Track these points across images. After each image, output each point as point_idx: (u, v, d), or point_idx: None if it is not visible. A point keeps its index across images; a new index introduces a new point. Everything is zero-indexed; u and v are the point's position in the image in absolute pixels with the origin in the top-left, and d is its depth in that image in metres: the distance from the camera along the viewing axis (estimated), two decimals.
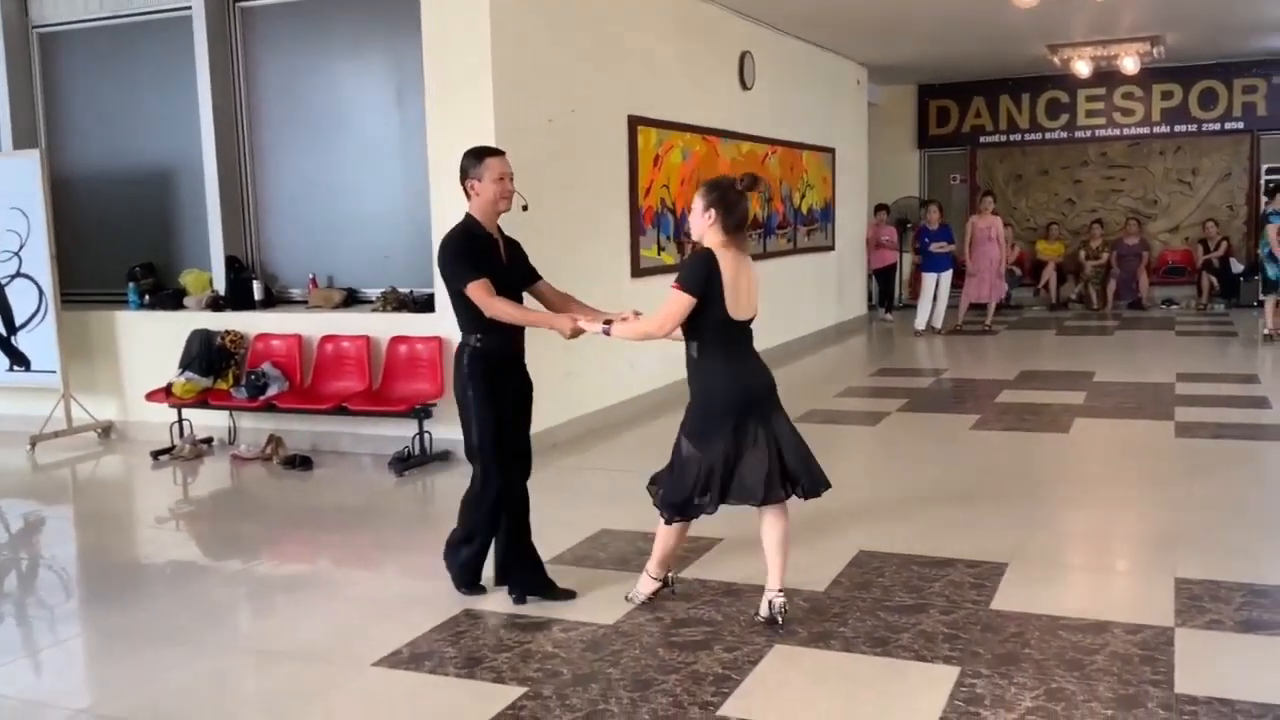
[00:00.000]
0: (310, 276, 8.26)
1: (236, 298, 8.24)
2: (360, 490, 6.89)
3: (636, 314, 4.49)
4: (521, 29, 7.29)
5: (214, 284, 8.44)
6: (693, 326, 4.23)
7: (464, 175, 4.64)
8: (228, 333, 7.96)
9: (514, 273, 4.72)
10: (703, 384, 4.34)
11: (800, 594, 4.59)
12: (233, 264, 8.38)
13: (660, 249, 9.29)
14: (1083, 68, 13.55)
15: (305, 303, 8.15)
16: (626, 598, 4.59)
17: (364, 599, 4.86)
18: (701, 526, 5.52)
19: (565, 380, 7.88)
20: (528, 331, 4.69)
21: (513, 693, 3.75)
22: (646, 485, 4.59)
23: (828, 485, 4.46)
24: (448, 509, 6.10)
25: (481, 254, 4.55)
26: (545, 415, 7.56)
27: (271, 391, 7.60)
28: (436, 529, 5.93)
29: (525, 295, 4.82)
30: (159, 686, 3.97)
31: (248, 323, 8.02)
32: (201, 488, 7.31)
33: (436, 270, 4.92)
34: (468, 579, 4.78)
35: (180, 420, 7.85)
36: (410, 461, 7.19)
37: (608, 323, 4.46)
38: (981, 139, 17.00)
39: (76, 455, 8.11)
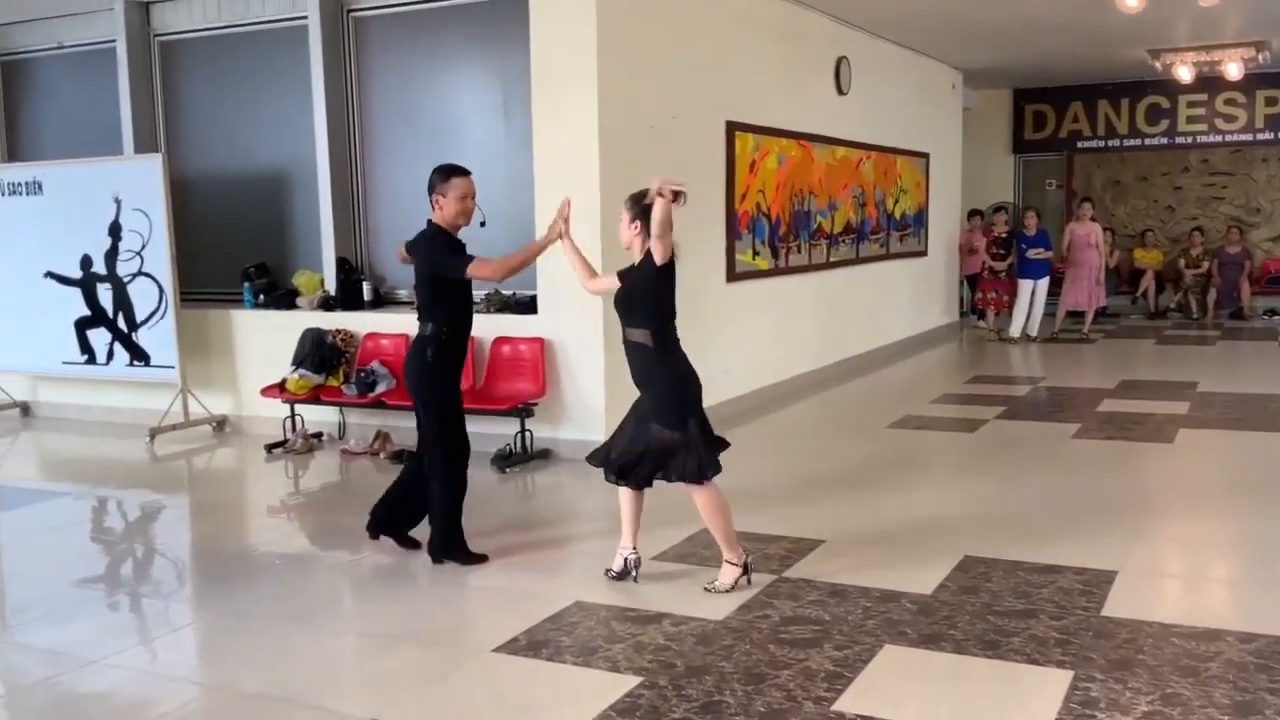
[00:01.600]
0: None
1: (347, 298, 8.52)
2: None
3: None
4: (626, 37, 7.43)
5: (325, 284, 8.72)
6: (655, 318, 4.69)
7: (431, 189, 5.20)
8: (338, 331, 8.23)
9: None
10: (675, 373, 4.76)
11: (908, 596, 4.63)
12: (343, 265, 8.66)
13: (755, 254, 9.36)
14: (1185, 73, 13.29)
15: (412, 303, 8.35)
16: (706, 588, 4.77)
17: (475, 589, 5.03)
18: (806, 528, 5.64)
19: None
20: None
21: (629, 681, 3.86)
22: (608, 473, 4.88)
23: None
24: (549, 505, 6.27)
25: (459, 243, 5.21)
26: None
27: (380, 389, 7.84)
28: (538, 525, 6.12)
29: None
30: (292, 664, 4.17)
31: (357, 322, 8.29)
32: (312, 480, 7.57)
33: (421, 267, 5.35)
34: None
35: (293, 415, 8.13)
36: (512, 459, 7.36)
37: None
38: (1079, 144, 16.74)
39: (193, 448, 8.44)
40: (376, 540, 5.55)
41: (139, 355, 8.84)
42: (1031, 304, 13.34)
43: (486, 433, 7.64)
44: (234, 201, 9.29)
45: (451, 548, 5.29)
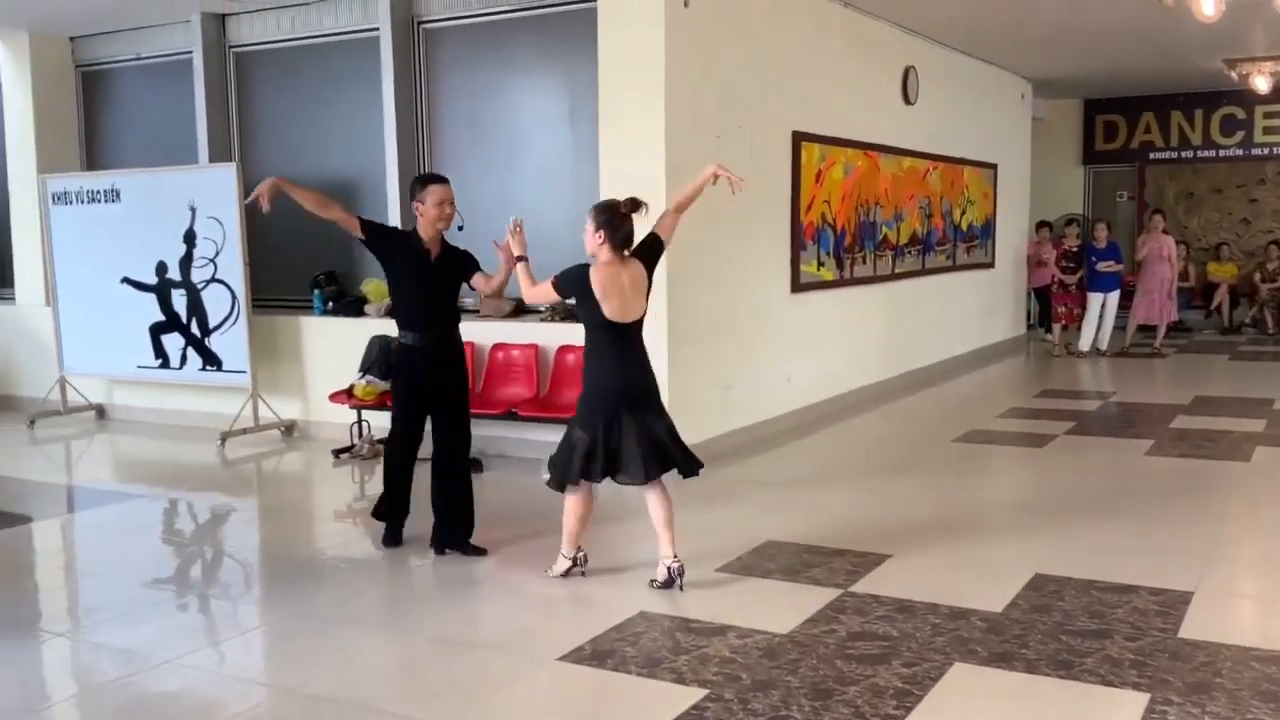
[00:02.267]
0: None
1: None
2: (527, 494, 7.07)
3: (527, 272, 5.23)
4: (694, 47, 7.43)
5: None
6: (584, 326, 4.96)
7: (411, 196, 5.51)
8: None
9: (443, 272, 5.58)
10: (585, 377, 5.04)
11: (977, 614, 4.56)
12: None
13: (820, 265, 9.30)
14: (1262, 83, 12.96)
15: (477, 311, 8.44)
16: (545, 572, 5.16)
17: (538, 597, 5.04)
18: (872, 542, 5.57)
19: (724, 393, 7.98)
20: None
21: (695, 694, 3.84)
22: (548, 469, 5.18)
23: (700, 464, 5.15)
24: (610, 516, 6.27)
25: (395, 241, 5.62)
26: (704, 427, 7.71)
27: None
28: (600, 536, 6.10)
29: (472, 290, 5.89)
30: (358, 668, 4.21)
31: None
32: (377, 485, 7.49)
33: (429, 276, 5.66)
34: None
35: (360, 421, 8.22)
36: None
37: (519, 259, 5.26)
38: (1151, 155, 16.42)
39: (262, 451, 8.58)
40: (443, 554, 5.67)
41: (211, 360, 9.01)
42: (1102, 317, 13.10)
43: (551, 441, 7.63)
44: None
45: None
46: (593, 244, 4.88)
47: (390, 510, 5.84)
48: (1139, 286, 13.24)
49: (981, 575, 5.12)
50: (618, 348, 4.94)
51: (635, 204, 4.87)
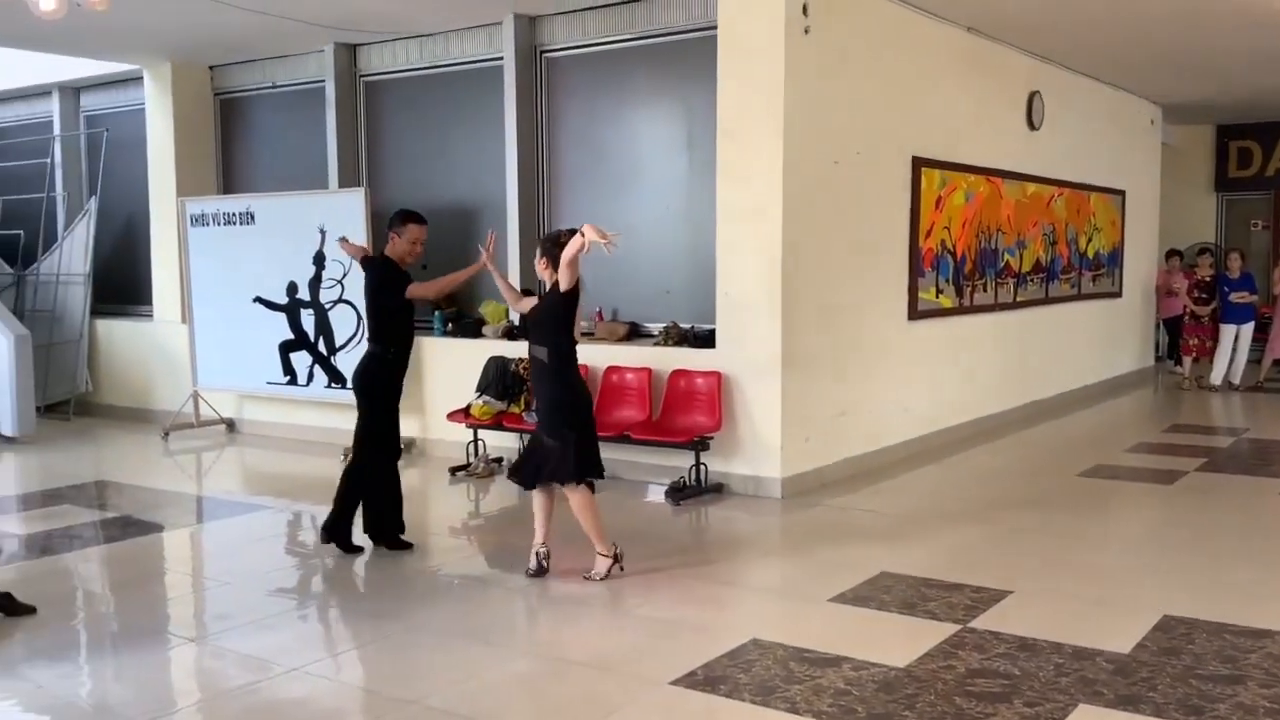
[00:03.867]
0: (597, 310, 8.64)
1: None
2: (639, 516, 7.12)
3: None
4: (813, 73, 7.41)
5: (510, 315, 8.97)
6: (558, 343, 5.47)
7: (390, 225, 6.08)
8: (520, 360, 8.42)
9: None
10: (565, 385, 5.54)
11: (1103, 655, 4.42)
12: (528, 296, 8.87)
13: (939, 292, 9.16)
14: None
15: (592, 334, 8.51)
16: (586, 577, 5.50)
17: (649, 619, 5.05)
18: (992, 577, 5.44)
19: (839, 420, 7.89)
20: None
21: None
22: (509, 477, 6.03)
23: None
24: (722, 539, 6.26)
25: (403, 274, 6.05)
26: (817, 453, 7.65)
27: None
28: (712, 558, 6.12)
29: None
30: (475, 684, 4.28)
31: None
32: (491, 504, 7.77)
33: (363, 289, 6.36)
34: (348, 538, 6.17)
35: (475, 440, 8.37)
36: (686, 491, 7.38)
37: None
38: None
39: None
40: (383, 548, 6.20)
41: (337, 378, 9.28)
42: (1235, 350, 12.59)
43: (662, 464, 7.72)
44: (429, 233, 9.64)
45: (340, 532, 6.16)
46: (539, 269, 5.59)
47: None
48: (1275, 319, 12.68)
49: (1107, 615, 4.95)
50: None
51: (571, 233, 5.39)
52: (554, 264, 5.42)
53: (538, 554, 5.62)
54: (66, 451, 9.74)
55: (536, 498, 5.62)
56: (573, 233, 5.35)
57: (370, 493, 6.23)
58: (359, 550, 6.18)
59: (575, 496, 5.51)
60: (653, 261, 8.60)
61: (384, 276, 6.06)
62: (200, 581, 6.12)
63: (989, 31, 9.39)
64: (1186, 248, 14.82)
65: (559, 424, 5.49)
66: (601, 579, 5.48)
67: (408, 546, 6.24)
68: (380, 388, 6.16)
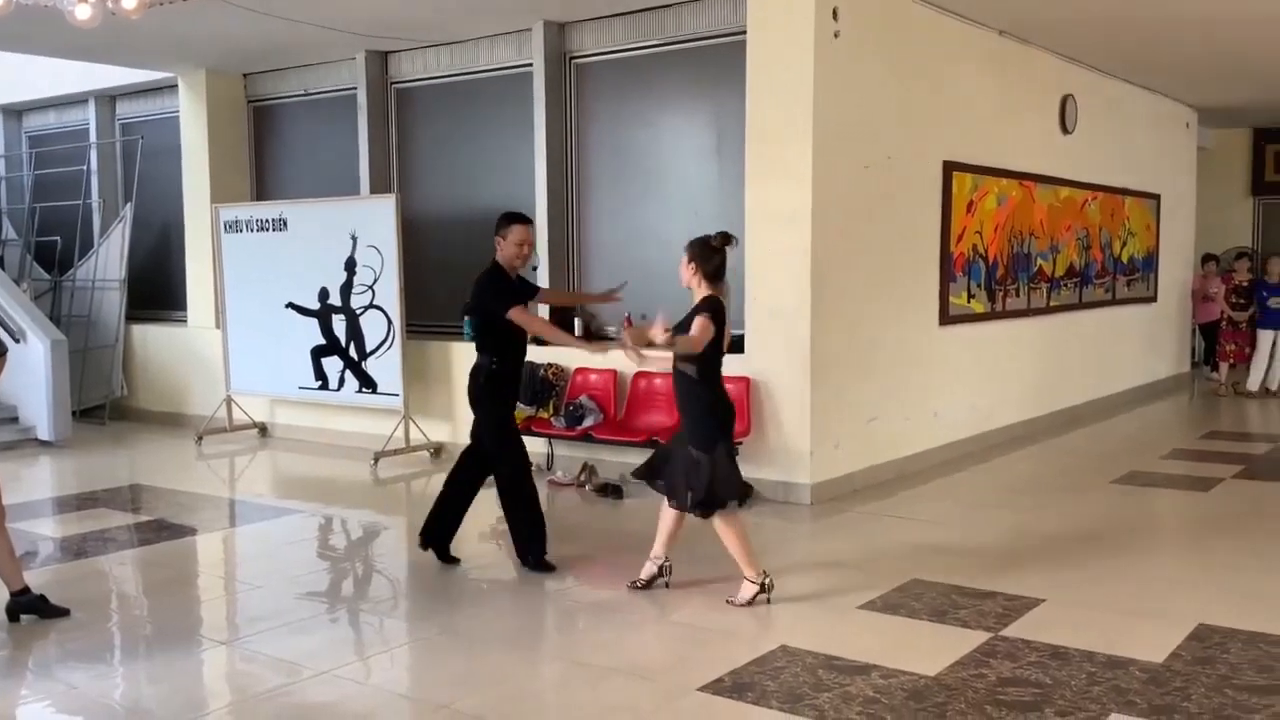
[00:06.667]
0: (626, 315, 8.63)
1: None
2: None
3: (668, 331, 4.94)
4: (843, 78, 7.38)
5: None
6: (702, 354, 5.03)
7: (496, 230, 5.78)
8: (550, 365, 8.47)
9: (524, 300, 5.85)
10: (708, 401, 5.16)
11: (1136, 663, 4.36)
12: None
13: (970, 296, 9.09)
14: None
15: (617, 340, 8.51)
16: (728, 601, 5.18)
17: (679, 625, 5.04)
18: (1023, 585, 5.39)
19: (868, 426, 7.85)
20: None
21: None
22: (671, 505, 5.32)
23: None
24: (756, 547, 6.21)
25: (510, 289, 5.75)
26: (847, 460, 7.61)
27: (588, 422, 8.00)
28: (738, 565, 6.07)
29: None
30: (505, 688, 4.29)
31: (568, 357, 8.50)
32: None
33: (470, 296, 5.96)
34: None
35: None
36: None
37: (648, 345, 5.10)
38: None
39: (412, 472, 8.84)
40: (425, 550, 6.02)
41: (368, 383, 9.34)
42: (1272, 356, 12.44)
43: None
44: (458, 238, 9.70)
45: (530, 551, 5.84)
46: (686, 276, 5.15)
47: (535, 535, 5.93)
48: None
49: (1141, 623, 4.90)
50: (721, 374, 5.24)
51: (726, 238, 5.15)
52: (704, 270, 5.09)
53: (661, 567, 5.40)
54: (101, 455, 9.86)
55: (665, 510, 5.36)
56: (726, 238, 5.12)
57: (463, 501, 6.08)
58: (550, 568, 5.83)
59: (719, 522, 5.19)
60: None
61: (487, 285, 5.77)
62: (233, 585, 6.16)
63: (1021, 34, 9.32)
64: (1223, 252, 14.63)
65: (707, 439, 5.11)
66: (746, 605, 5.14)
67: (454, 560, 6.05)
68: (486, 399, 5.84)
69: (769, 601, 5.16)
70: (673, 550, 5.42)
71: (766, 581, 5.18)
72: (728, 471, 5.12)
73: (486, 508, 7.90)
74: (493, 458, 5.91)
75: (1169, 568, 5.97)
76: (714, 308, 5.05)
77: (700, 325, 4.98)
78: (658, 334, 4.94)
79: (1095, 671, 4.29)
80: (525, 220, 5.82)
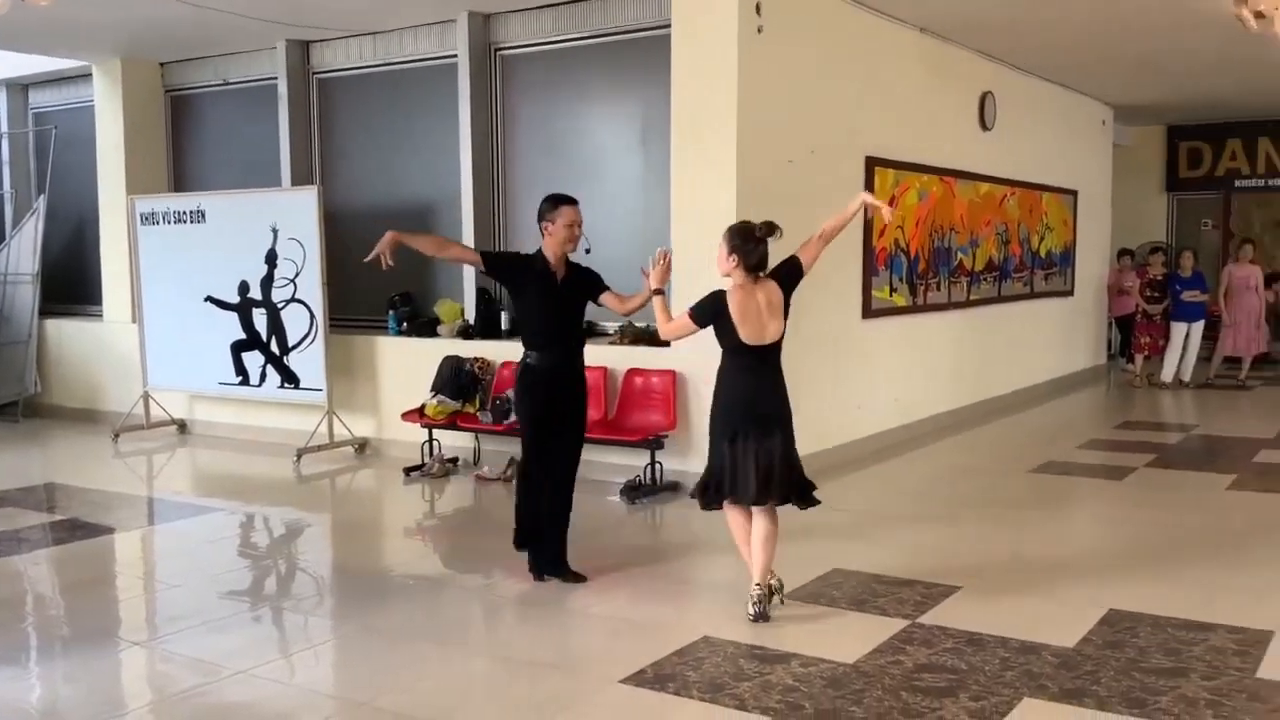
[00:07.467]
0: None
1: (485, 327, 8.73)
2: (593, 516, 7.06)
3: (659, 292, 5.14)
4: (767, 72, 7.44)
5: (465, 314, 8.94)
6: (722, 349, 4.91)
7: (540, 217, 5.46)
8: (476, 360, 8.42)
9: (570, 293, 5.50)
10: (715, 394, 4.99)
11: (1049, 649, 4.47)
12: (483, 296, 8.86)
13: (892, 290, 9.23)
14: None
15: (609, 335, 8.41)
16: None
17: (601, 619, 5.06)
18: (941, 573, 5.49)
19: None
20: None
21: None
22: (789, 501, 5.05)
23: (815, 502, 5.08)
24: (677, 538, 6.27)
25: (518, 267, 5.55)
26: None
27: (514, 417, 7.95)
28: (666, 557, 6.12)
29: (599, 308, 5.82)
30: (427, 685, 4.26)
31: (495, 351, 8.46)
32: (447, 504, 7.74)
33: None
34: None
35: (430, 440, 8.34)
36: (641, 490, 7.38)
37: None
38: (1237, 183, 16.03)
39: (336, 468, 8.73)
40: (543, 581, 5.50)
41: (289, 378, 9.20)
42: (1185, 348, 12.79)
43: (617, 463, 7.71)
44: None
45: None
46: (726, 266, 4.88)
47: (530, 536, 5.56)
48: (1225, 317, 12.89)
49: (1054, 609, 5.01)
50: (752, 369, 4.91)
51: (770, 228, 4.81)
52: (745, 263, 4.81)
53: (773, 588, 4.98)
54: (15, 454, 9.60)
55: (750, 518, 4.96)
56: (770, 228, 4.78)
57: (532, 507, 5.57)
58: (580, 578, 5.48)
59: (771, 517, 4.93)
60: (608, 260, 8.54)
61: (514, 274, 5.60)
62: (151, 584, 6.04)
63: (941, 32, 9.47)
64: (1138, 247, 15.03)
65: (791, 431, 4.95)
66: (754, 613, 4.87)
67: (579, 578, 5.48)
68: (519, 395, 5.61)
69: (782, 602, 5.03)
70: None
71: (774, 583, 5.00)
72: (711, 464, 4.95)
73: (409, 503, 7.87)
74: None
75: (1082, 555, 6.13)
76: (712, 305, 4.88)
77: (680, 323, 4.99)
78: (653, 282, 5.09)
79: (1009, 657, 4.39)
80: (573, 201, 5.45)
